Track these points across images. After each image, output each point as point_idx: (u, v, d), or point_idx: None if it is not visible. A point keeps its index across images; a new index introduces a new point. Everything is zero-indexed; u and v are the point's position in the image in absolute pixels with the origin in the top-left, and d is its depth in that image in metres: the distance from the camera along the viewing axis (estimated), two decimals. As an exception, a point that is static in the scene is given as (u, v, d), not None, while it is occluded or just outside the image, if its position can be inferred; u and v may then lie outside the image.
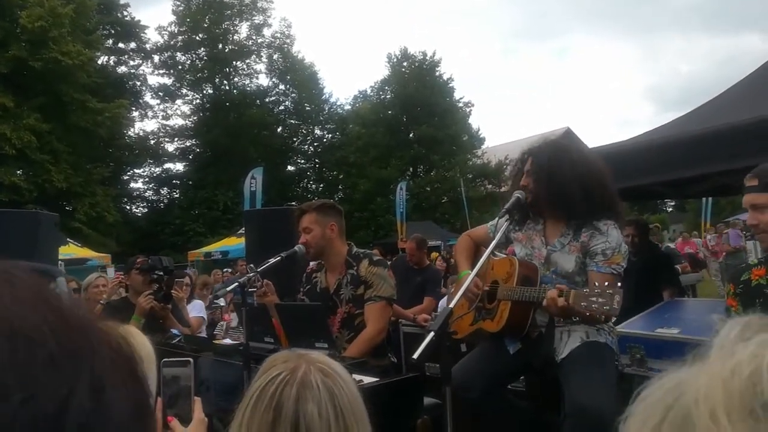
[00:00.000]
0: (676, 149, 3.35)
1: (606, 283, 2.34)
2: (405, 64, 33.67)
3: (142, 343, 1.37)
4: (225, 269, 13.46)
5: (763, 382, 0.39)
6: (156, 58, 32.12)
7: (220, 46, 32.07)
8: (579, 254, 2.69)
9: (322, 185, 35.82)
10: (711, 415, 0.39)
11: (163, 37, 31.81)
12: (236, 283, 2.88)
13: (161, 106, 32.61)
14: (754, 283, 2.14)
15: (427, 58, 33.46)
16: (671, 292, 4.85)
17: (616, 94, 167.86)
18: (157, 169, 33.04)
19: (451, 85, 33.86)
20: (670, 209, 57.32)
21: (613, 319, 2.64)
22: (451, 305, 2.25)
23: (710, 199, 18.29)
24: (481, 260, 2.50)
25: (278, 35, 33.36)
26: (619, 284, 2.34)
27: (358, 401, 1.07)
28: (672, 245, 16.88)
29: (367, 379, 2.36)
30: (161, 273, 3.82)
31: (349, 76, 74.72)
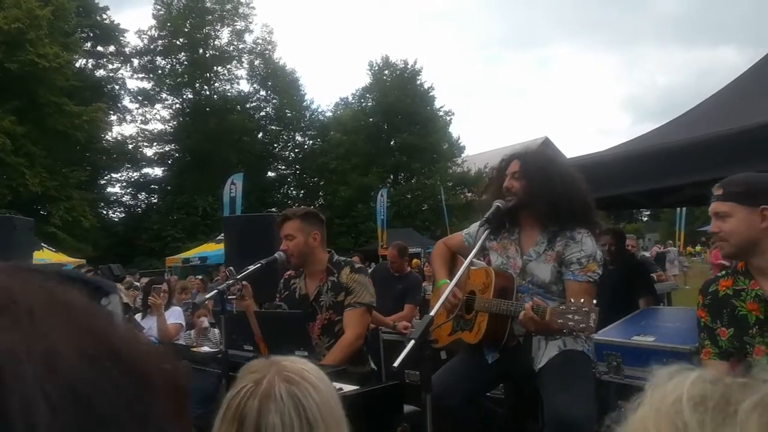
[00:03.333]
0: (652, 160, 3.42)
1: (582, 300, 2.35)
2: (386, 72, 33.81)
3: None
4: (198, 276, 13.10)
5: (683, 404, 0.51)
6: (135, 62, 31.82)
7: (201, 50, 31.86)
8: (555, 263, 2.71)
9: (302, 192, 35.67)
10: (644, 430, 0.52)
11: (142, 41, 31.56)
12: (215, 290, 2.85)
13: (140, 111, 32.30)
14: (721, 293, 2.18)
15: (409, 66, 33.66)
16: (647, 300, 4.91)
17: (594, 104, 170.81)
18: (135, 173, 32.68)
19: (431, 93, 34.11)
20: (645, 218, 58.34)
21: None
22: (432, 313, 2.26)
23: (684, 208, 18.69)
24: (461, 270, 2.51)
25: (260, 41, 33.31)
26: (595, 302, 2.34)
27: (328, 405, 1.07)
28: (647, 254, 17.12)
29: (347, 387, 2.35)
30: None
31: (330, 83, 74.98)
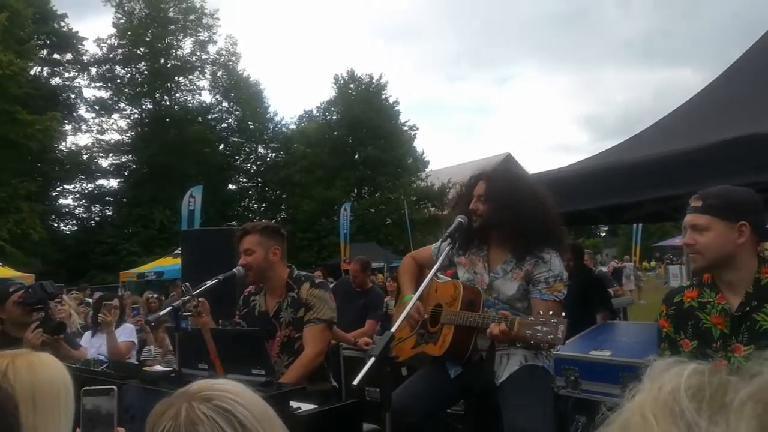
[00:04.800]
0: (612, 177, 3.47)
1: (550, 312, 2.37)
2: (352, 85, 33.94)
3: (56, 374, 1.26)
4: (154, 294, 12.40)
5: (681, 393, 0.54)
6: (93, 70, 31.06)
7: (162, 60, 31.33)
8: (522, 282, 2.71)
9: (264, 205, 35.28)
10: (641, 416, 0.54)
11: (101, 49, 30.86)
12: (170, 307, 2.74)
13: (96, 120, 31.47)
14: (686, 305, 2.16)
15: (374, 80, 33.86)
16: (604, 315, 5.00)
17: (554, 121, 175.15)
18: (90, 185, 31.74)
19: (396, 108, 34.36)
20: (603, 234, 59.85)
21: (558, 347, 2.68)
22: (393, 329, 2.22)
23: (640, 224, 19.23)
24: (423, 284, 2.48)
25: (223, 52, 32.98)
26: (563, 314, 2.37)
27: (255, 405, 1.02)
28: (604, 269, 17.51)
29: (305, 406, 2.29)
30: (46, 302, 3.49)
31: (294, 96, 74.69)
